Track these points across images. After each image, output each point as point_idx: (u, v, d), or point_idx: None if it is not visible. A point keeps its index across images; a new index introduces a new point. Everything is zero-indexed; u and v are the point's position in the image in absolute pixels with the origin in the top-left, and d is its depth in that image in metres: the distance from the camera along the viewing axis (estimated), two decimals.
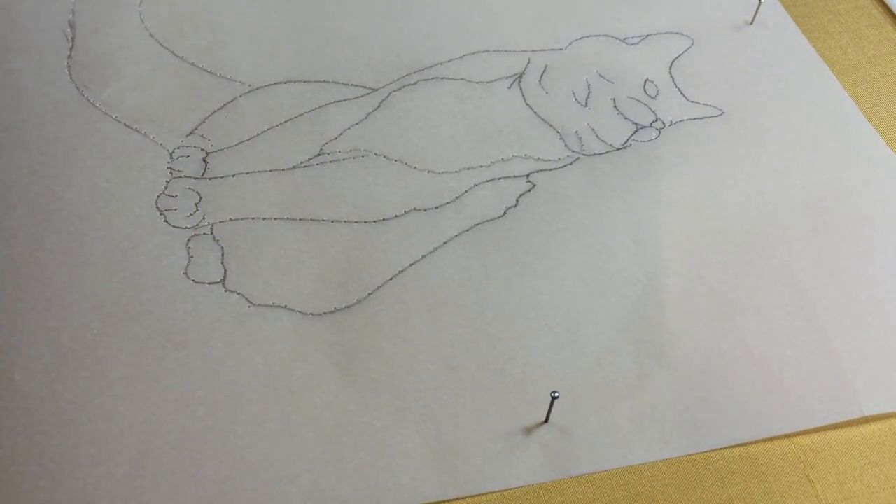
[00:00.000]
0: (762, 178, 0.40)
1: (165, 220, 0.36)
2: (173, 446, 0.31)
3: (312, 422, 0.32)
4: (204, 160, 0.39)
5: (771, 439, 0.33)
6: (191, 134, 0.39)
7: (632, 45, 0.45)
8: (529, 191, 0.39)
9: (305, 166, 0.39)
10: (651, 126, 0.42)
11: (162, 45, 0.42)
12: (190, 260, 0.35)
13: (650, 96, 0.43)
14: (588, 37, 0.45)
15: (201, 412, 0.32)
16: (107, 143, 0.39)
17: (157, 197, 0.37)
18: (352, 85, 0.42)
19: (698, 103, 0.43)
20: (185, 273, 0.35)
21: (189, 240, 0.36)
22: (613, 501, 0.31)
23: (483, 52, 0.44)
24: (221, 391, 0.32)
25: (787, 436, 0.33)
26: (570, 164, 0.40)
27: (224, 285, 0.35)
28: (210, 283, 0.35)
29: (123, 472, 0.30)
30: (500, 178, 0.39)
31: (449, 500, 0.31)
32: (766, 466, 0.32)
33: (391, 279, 0.36)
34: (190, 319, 0.34)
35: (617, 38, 0.45)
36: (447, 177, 0.39)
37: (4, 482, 0.30)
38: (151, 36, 0.43)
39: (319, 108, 0.41)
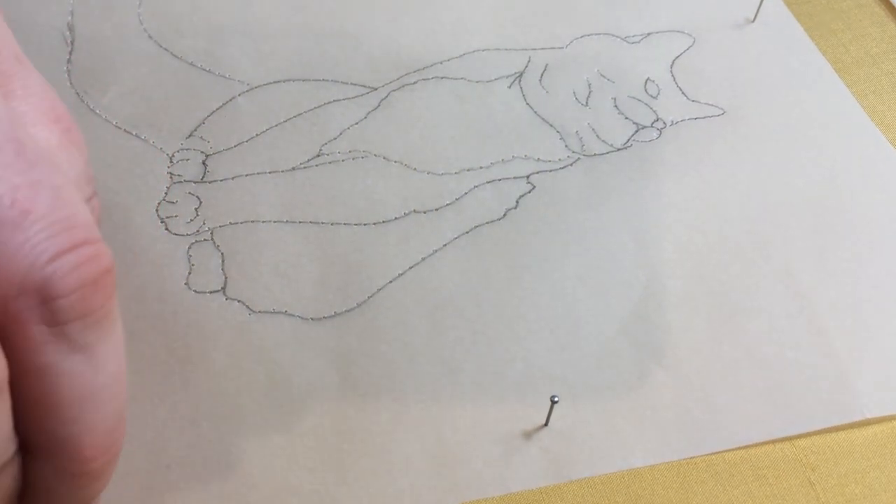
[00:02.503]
0: (763, 178, 0.40)
1: (166, 228, 0.36)
2: (179, 463, 0.31)
3: (313, 430, 0.32)
4: (204, 163, 0.39)
5: (772, 441, 0.33)
6: (190, 136, 0.39)
7: (633, 43, 0.45)
8: (529, 192, 0.39)
9: (305, 167, 0.39)
10: (652, 126, 0.41)
11: (161, 47, 0.42)
12: (191, 269, 0.35)
13: (651, 96, 0.42)
14: (589, 35, 0.45)
15: (205, 427, 0.32)
16: (108, 150, 0.39)
17: (158, 204, 0.37)
18: (351, 84, 0.42)
19: (699, 102, 0.42)
20: (186, 283, 0.35)
21: (189, 247, 0.36)
22: None
23: (483, 50, 0.44)
24: (224, 405, 0.32)
25: (789, 438, 0.33)
26: (571, 164, 0.40)
27: (225, 293, 0.35)
28: (211, 292, 0.35)
29: (132, 493, 0.30)
30: (500, 180, 0.39)
31: None
32: (768, 469, 0.32)
33: (391, 282, 0.36)
34: (192, 332, 0.34)
35: (618, 37, 0.45)
36: (447, 178, 0.39)
37: None
38: (150, 37, 0.43)
39: (318, 107, 0.41)
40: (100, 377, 0.22)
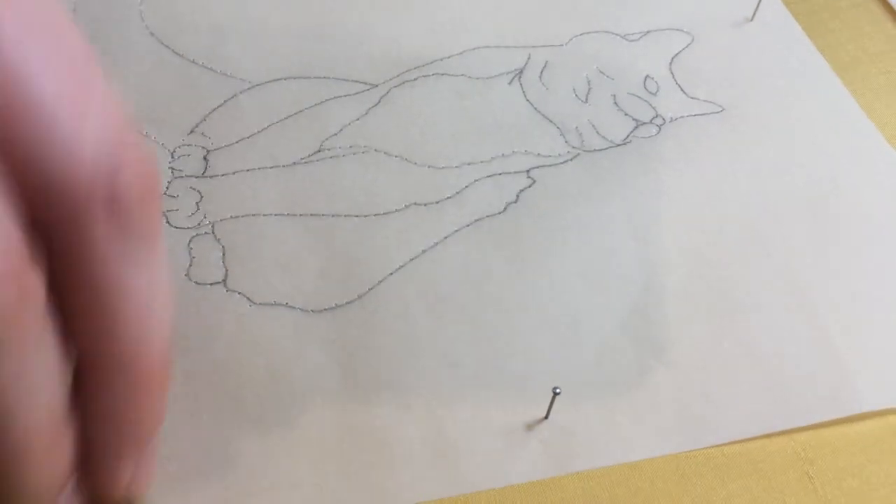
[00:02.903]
0: (762, 175, 0.40)
1: (168, 222, 0.37)
2: (179, 455, 0.31)
3: (314, 423, 0.32)
4: (205, 158, 0.39)
5: (770, 436, 0.33)
6: (192, 132, 0.40)
7: (632, 41, 0.45)
8: (530, 186, 0.39)
9: (305, 162, 0.39)
10: (651, 122, 0.42)
11: (162, 44, 0.42)
12: (192, 261, 0.35)
13: (650, 92, 0.43)
14: (588, 33, 0.45)
15: (206, 419, 0.32)
16: None
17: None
18: (352, 81, 0.42)
19: (698, 100, 0.43)
20: (186, 275, 0.35)
21: (190, 240, 0.36)
22: (613, 497, 0.31)
23: (483, 47, 0.44)
24: (225, 396, 0.32)
25: (787, 432, 0.33)
26: (571, 160, 0.40)
27: (225, 285, 0.35)
28: (212, 284, 0.35)
29: None
30: (500, 174, 0.39)
31: (449, 498, 0.31)
32: (766, 463, 0.32)
33: (391, 274, 0.36)
34: (193, 323, 0.34)
35: (617, 34, 0.45)
36: (447, 172, 0.39)
37: None
38: (152, 34, 0.43)
39: (319, 104, 0.41)
40: (156, 295, 0.22)
